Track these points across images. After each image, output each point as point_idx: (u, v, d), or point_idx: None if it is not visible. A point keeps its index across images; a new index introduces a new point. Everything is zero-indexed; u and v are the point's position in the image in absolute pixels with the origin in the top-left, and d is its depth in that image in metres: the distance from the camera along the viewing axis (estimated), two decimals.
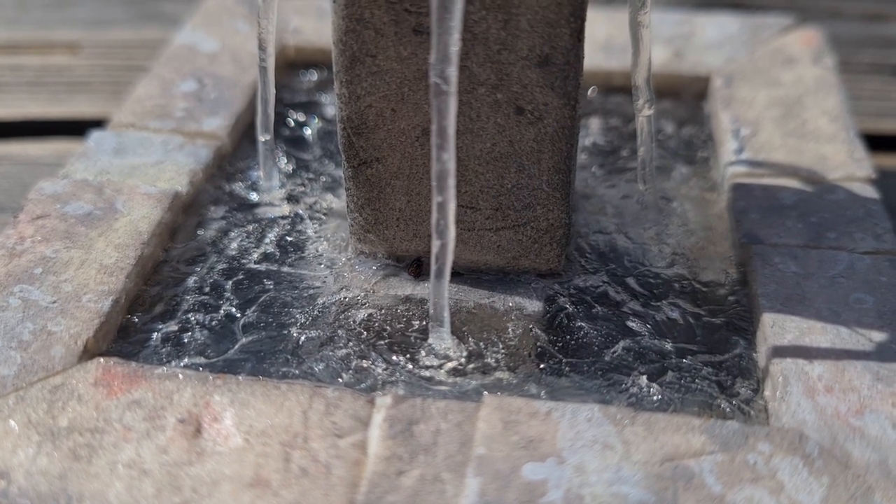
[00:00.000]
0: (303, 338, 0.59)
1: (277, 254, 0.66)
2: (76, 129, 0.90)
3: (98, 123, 0.77)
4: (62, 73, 1.01)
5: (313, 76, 0.85)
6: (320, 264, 0.65)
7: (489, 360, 0.57)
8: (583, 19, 0.54)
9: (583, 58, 0.56)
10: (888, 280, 0.60)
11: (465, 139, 0.57)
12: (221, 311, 0.61)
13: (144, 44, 1.05)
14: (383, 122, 0.58)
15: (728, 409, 0.54)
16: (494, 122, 0.57)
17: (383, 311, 0.60)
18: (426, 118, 0.57)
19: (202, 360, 0.57)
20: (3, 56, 1.04)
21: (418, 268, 0.63)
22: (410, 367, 0.57)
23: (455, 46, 0.47)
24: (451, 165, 0.50)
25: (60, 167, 0.70)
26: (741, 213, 0.66)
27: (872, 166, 0.70)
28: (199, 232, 0.67)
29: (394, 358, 0.57)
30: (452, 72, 0.48)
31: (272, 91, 0.65)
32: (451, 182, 0.50)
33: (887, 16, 1.13)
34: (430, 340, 0.57)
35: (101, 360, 0.54)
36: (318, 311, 0.61)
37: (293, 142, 0.77)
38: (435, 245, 0.53)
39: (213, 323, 0.60)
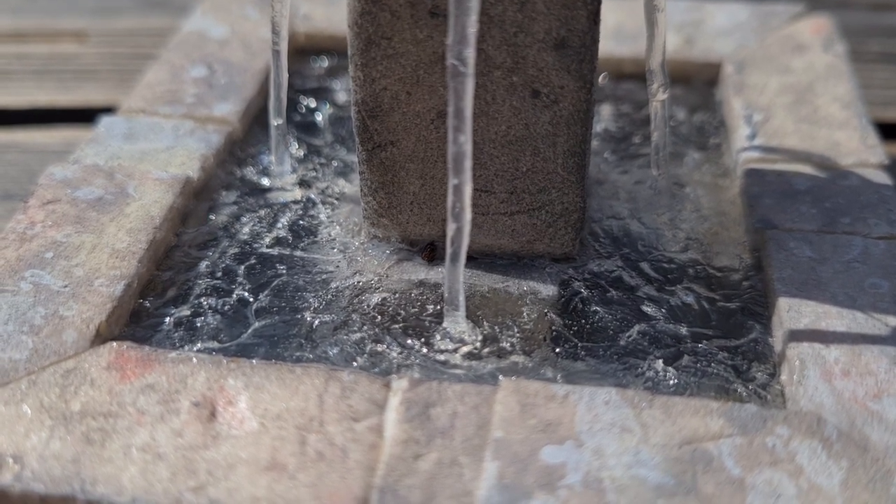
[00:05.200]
0: (316, 322, 0.58)
1: (290, 238, 0.65)
2: (83, 117, 0.90)
3: (105, 111, 0.77)
4: (69, 61, 1.01)
5: (324, 62, 0.85)
6: (333, 248, 0.64)
7: (504, 344, 0.57)
8: (599, 1, 0.54)
9: (598, 41, 0.56)
10: None
11: (481, 122, 0.57)
12: (234, 296, 0.61)
13: (151, 32, 1.04)
14: (398, 105, 0.58)
15: (744, 394, 0.54)
16: (510, 105, 0.57)
17: (397, 296, 0.60)
18: (441, 101, 0.57)
19: (215, 344, 0.57)
20: (9, 44, 1.04)
21: (432, 252, 0.62)
22: (425, 350, 0.56)
23: (473, 28, 0.47)
24: (468, 148, 0.50)
25: (68, 154, 0.69)
26: (755, 198, 0.66)
27: (885, 152, 0.70)
28: (210, 217, 0.67)
29: (408, 342, 0.57)
30: (470, 53, 0.48)
31: (285, 75, 0.64)
32: (468, 164, 0.50)
33: (895, 5, 1.12)
34: (445, 324, 0.57)
35: (114, 344, 0.54)
36: (332, 296, 0.60)
37: (304, 127, 0.77)
38: (450, 228, 0.52)
39: (226, 307, 0.60)
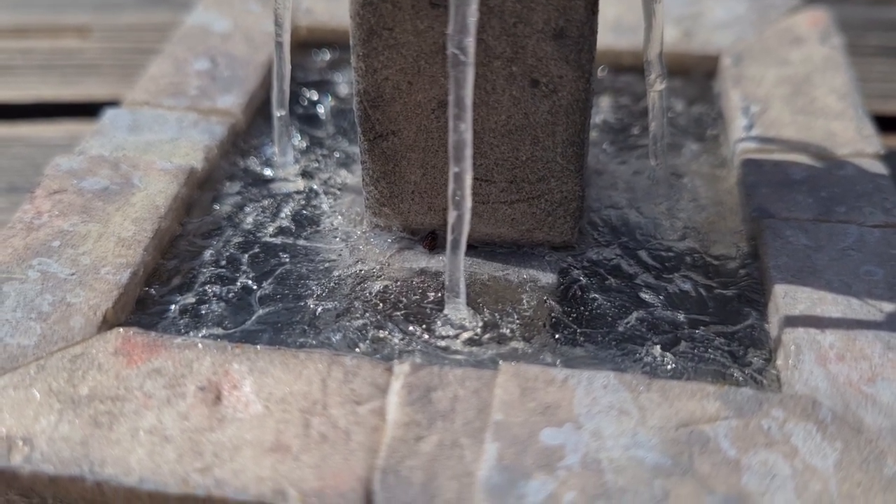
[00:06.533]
0: (319, 309, 0.59)
1: (293, 228, 0.66)
2: (86, 111, 0.91)
3: (108, 105, 0.77)
4: (72, 56, 1.02)
5: (325, 56, 0.86)
6: (335, 238, 0.65)
7: (504, 330, 0.58)
8: None
9: (597, 31, 0.57)
10: None
11: (481, 112, 0.58)
12: (238, 284, 0.61)
13: (153, 27, 1.05)
14: (399, 94, 0.58)
15: (741, 378, 0.55)
16: (510, 94, 0.57)
17: (399, 283, 0.61)
18: (442, 91, 0.58)
19: (220, 330, 0.58)
20: (13, 39, 1.04)
21: (433, 241, 0.63)
22: (427, 337, 0.57)
23: (473, 17, 0.48)
24: (468, 136, 0.50)
25: (72, 147, 0.70)
26: (752, 187, 0.66)
27: (881, 143, 0.70)
28: (214, 207, 0.68)
29: (410, 328, 0.58)
30: (470, 42, 0.49)
31: (288, 67, 0.65)
32: (468, 152, 0.51)
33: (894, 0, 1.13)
34: (446, 311, 0.58)
35: (121, 330, 0.55)
36: (334, 284, 0.61)
37: (306, 119, 0.78)
38: (451, 216, 0.53)
39: (230, 295, 0.61)
